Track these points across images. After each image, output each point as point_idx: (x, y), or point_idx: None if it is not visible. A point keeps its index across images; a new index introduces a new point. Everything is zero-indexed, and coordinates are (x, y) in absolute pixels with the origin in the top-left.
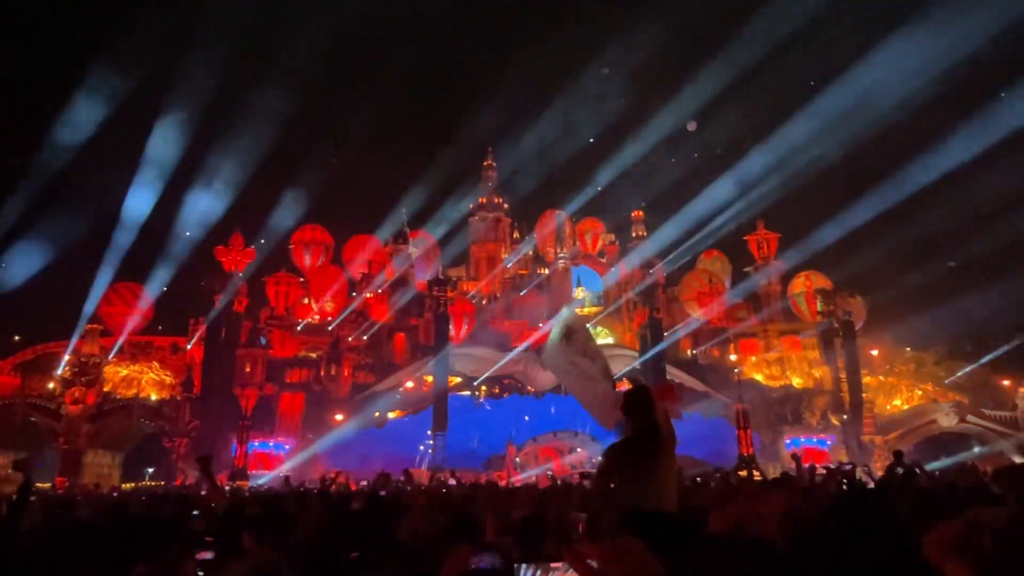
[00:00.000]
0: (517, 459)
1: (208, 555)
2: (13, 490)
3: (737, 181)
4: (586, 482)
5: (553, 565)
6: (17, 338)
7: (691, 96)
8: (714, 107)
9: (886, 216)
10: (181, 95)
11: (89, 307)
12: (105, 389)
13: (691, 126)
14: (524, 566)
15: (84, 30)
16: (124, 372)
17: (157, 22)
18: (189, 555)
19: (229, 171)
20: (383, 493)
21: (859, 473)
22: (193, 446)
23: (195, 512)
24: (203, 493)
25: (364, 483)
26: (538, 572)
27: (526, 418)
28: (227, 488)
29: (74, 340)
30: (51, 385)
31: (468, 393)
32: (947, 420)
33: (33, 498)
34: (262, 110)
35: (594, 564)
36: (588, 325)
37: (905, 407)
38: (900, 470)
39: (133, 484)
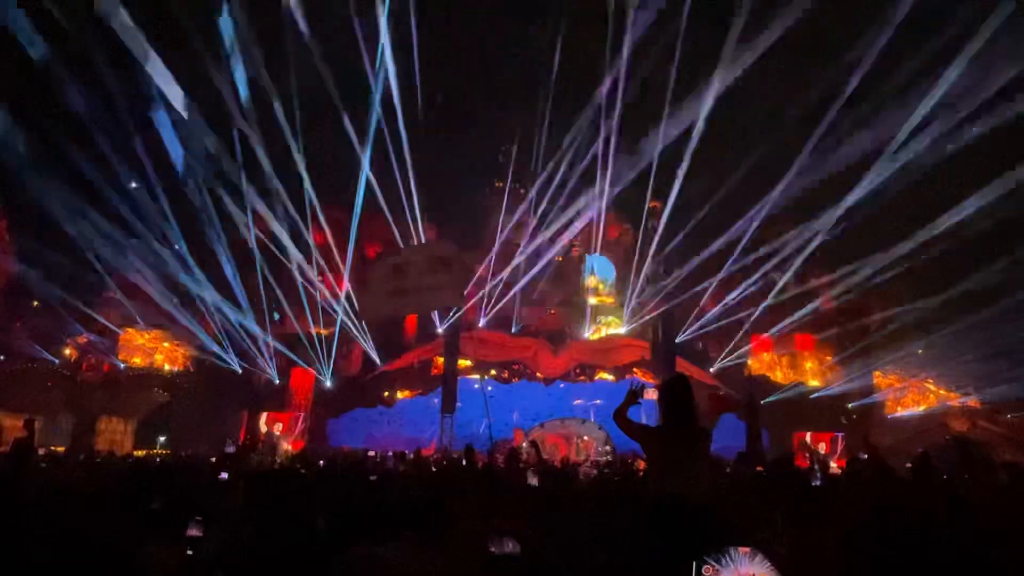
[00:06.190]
0: (524, 444)
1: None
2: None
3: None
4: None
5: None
6: (36, 304)
7: (716, 90)
8: (738, 99)
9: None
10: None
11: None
12: (120, 358)
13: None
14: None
15: None
16: (139, 341)
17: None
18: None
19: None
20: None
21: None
22: (204, 418)
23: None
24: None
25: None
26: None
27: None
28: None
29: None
30: (67, 352)
31: (478, 376)
32: (959, 424)
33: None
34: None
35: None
36: (600, 317)
37: (919, 408)
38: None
39: (145, 451)
